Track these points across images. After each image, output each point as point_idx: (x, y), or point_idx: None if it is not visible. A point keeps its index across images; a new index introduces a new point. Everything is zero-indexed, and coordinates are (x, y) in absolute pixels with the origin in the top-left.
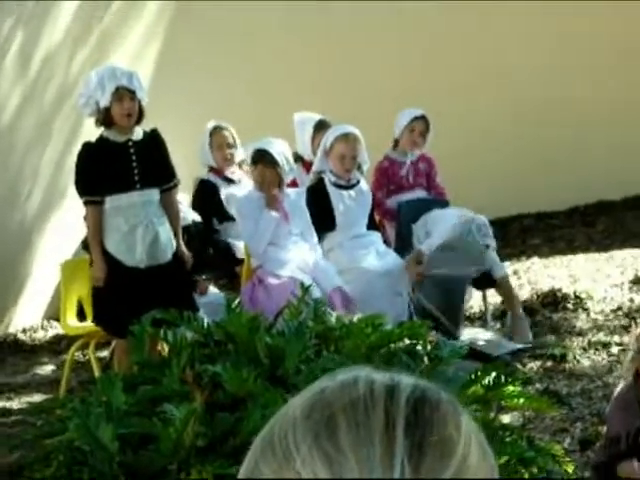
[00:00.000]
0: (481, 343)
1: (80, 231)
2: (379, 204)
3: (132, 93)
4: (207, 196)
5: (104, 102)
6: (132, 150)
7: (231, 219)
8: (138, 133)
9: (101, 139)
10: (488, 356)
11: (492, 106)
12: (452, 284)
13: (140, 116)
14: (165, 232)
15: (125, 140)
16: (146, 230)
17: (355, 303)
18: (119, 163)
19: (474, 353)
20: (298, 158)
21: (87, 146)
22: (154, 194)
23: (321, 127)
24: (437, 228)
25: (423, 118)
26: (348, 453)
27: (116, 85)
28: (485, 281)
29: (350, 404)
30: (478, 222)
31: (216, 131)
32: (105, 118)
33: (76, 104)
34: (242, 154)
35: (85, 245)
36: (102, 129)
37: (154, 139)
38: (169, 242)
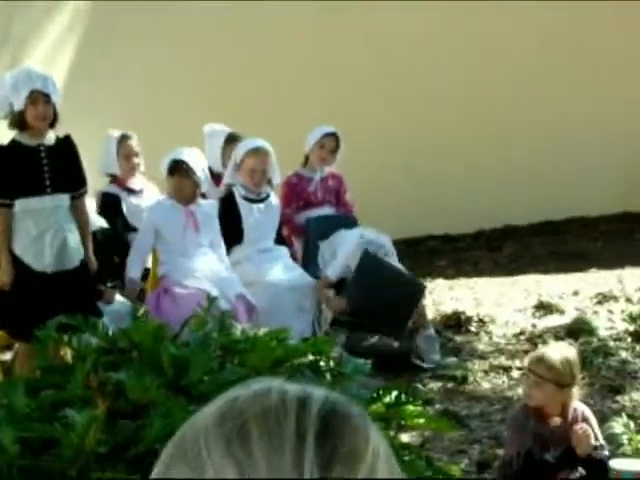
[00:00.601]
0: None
1: None
2: (288, 220)
3: (47, 97)
4: (111, 208)
5: (18, 105)
6: (44, 154)
7: (135, 230)
8: (50, 138)
9: (13, 142)
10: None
11: (404, 124)
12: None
13: (54, 120)
14: (74, 238)
15: (37, 144)
16: (55, 235)
17: (258, 311)
18: (30, 167)
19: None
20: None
21: None
22: (64, 199)
23: (232, 140)
24: (340, 250)
25: (334, 135)
26: (259, 460)
27: (31, 88)
28: None
29: (262, 413)
30: (379, 242)
31: (123, 140)
32: (19, 121)
33: None
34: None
35: None
36: (14, 132)
37: (67, 145)
38: (77, 248)
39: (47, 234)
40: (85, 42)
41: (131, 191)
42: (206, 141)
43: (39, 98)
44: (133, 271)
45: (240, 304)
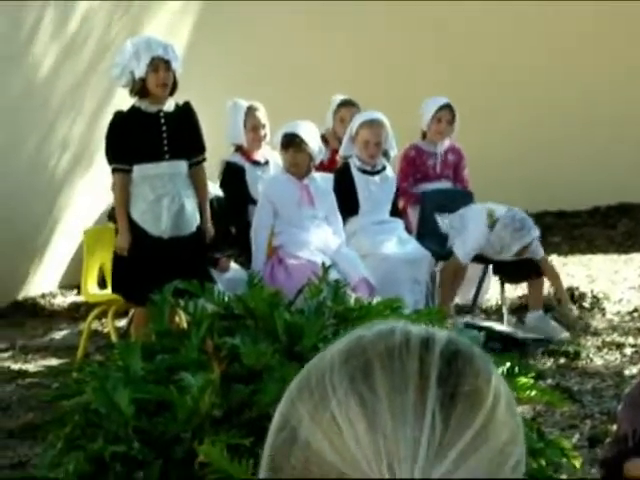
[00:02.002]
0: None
1: (105, 200)
2: (404, 192)
3: (167, 64)
4: (234, 178)
5: (139, 72)
6: (163, 121)
7: (255, 202)
8: (170, 105)
9: (133, 108)
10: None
11: (514, 98)
12: None
13: (174, 87)
14: (191, 205)
15: (157, 111)
16: (172, 201)
17: (376, 291)
18: (149, 133)
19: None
20: (323, 139)
21: (119, 114)
22: (182, 166)
23: (344, 105)
24: (470, 230)
25: (448, 107)
26: (382, 398)
27: (152, 55)
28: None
29: (386, 352)
30: (518, 217)
31: (250, 111)
32: (140, 88)
33: (110, 74)
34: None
35: (110, 216)
36: (135, 98)
37: (186, 112)
38: (194, 215)
39: (164, 200)
40: (205, 13)
41: (256, 163)
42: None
43: (160, 65)
44: (259, 252)
45: (363, 287)
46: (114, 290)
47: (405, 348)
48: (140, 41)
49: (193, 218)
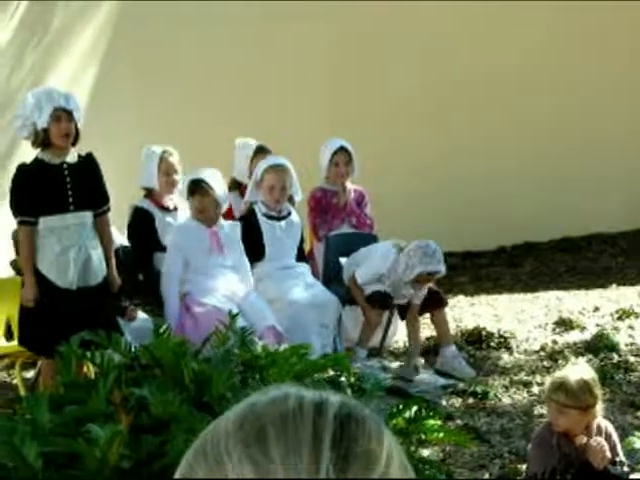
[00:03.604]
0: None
1: (7, 252)
2: (315, 230)
3: (69, 114)
4: (142, 224)
5: (42, 123)
6: (66, 172)
7: (165, 249)
8: (73, 156)
9: (36, 160)
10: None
11: (426, 139)
12: None
13: (76, 137)
14: (97, 255)
15: (60, 162)
16: (79, 252)
17: (285, 338)
18: (54, 185)
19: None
20: (236, 184)
21: (22, 167)
22: (87, 217)
23: (260, 152)
24: (368, 260)
25: (343, 149)
26: (277, 462)
27: (54, 106)
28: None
29: (280, 417)
30: (432, 246)
31: (164, 156)
32: (42, 139)
33: (12, 126)
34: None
35: (14, 266)
36: (37, 150)
37: (89, 163)
38: (100, 265)
39: (71, 251)
40: (111, 55)
41: (165, 209)
42: (236, 154)
43: (62, 115)
44: (172, 302)
45: (270, 335)
46: (21, 343)
47: (299, 412)
48: (41, 92)
49: (100, 268)
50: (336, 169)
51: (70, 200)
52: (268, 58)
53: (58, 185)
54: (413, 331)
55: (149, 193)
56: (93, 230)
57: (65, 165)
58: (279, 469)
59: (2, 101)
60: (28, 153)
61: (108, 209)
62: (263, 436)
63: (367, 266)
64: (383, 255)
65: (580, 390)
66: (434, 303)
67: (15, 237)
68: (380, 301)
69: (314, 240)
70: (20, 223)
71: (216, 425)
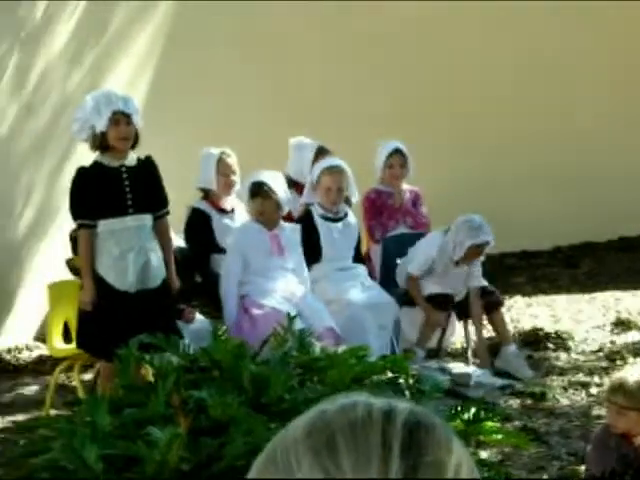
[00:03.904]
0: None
1: (67, 255)
2: (369, 229)
3: (128, 117)
4: (199, 225)
5: (100, 126)
6: (125, 176)
7: (222, 251)
8: (132, 159)
9: (95, 164)
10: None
11: (473, 138)
12: None
13: (135, 140)
14: (156, 258)
15: (119, 165)
16: (138, 255)
17: (343, 339)
18: (112, 188)
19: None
20: (291, 182)
21: (81, 170)
22: (147, 220)
23: (322, 153)
24: (416, 251)
25: (398, 151)
26: (347, 471)
27: (113, 109)
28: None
29: (349, 425)
30: (478, 219)
31: (223, 157)
32: (101, 142)
33: (70, 129)
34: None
35: (71, 266)
36: (96, 152)
37: (148, 166)
38: (160, 268)
39: (130, 254)
40: (165, 63)
41: (222, 210)
42: (293, 153)
43: (121, 119)
44: (230, 303)
45: (329, 336)
46: (79, 346)
47: (368, 421)
48: (100, 95)
49: (159, 271)
50: (391, 171)
51: (129, 203)
52: (315, 64)
53: (117, 188)
54: (500, 330)
55: (206, 194)
56: (152, 233)
57: (124, 168)
58: (349, 477)
59: (60, 102)
60: (86, 156)
61: (167, 212)
62: (332, 444)
63: (417, 257)
64: (428, 241)
65: (639, 391)
66: (491, 304)
67: (72, 236)
68: (440, 302)
69: (370, 242)
70: (79, 226)
71: (285, 432)
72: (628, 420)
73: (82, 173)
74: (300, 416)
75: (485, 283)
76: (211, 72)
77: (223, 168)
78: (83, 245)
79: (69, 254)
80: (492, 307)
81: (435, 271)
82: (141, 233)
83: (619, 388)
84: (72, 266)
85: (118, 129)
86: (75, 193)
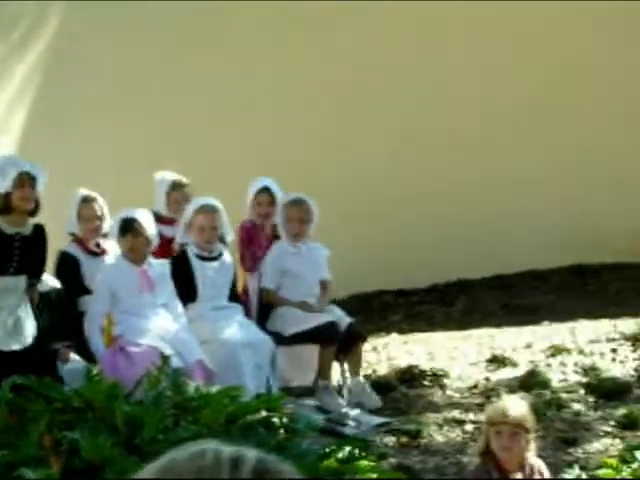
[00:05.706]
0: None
1: None
2: (242, 259)
3: (33, 180)
4: (68, 268)
5: (4, 187)
6: (17, 244)
7: (90, 292)
8: (29, 226)
9: None
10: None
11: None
12: None
13: (36, 207)
14: (28, 316)
15: (14, 233)
16: (9, 314)
17: (215, 375)
18: (1, 253)
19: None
20: (156, 216)
21: None
22: (22, 280)
23: (175, 188)
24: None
25: (267, 189)
26: None
27: (19, 171)
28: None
29: (198, 473)
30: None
31: (85, 203)
32: (3, 204)
33: None
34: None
35: None
36: None
37: (39, 236)
38: (31, 325)
39: (2, 312)
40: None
41: (92, 253)
42: (155, 188)
43: (26, 180)
44: (94, 340)
45: (198, 369)
46: None
47: (216, 467)
48: (5, 158)
49: (30, 329)
50: (259, 208)
51: (13, 264)
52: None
53: (6, 253)
54: (354, 363)
55: (75, 237)
56: (24, 293)
57: (18, 236)
58: None
59: None
60: None
61: (39, 281)
62: None
63: (265, 271)
64: (272, 253)
65: (526, 411)
66: (355, 336)
67: None
68: (329, 334)
69: (246, 275)
70: None
71: (137, 479)
72: (520, 441)
73: None
74: (152, 463)
75: (349, 320)
76: (98, 104)
77: (86, 214)
78: None
79: None
80: (355, 340)
81: (287, 275)
82: (16, 292)
83: (506, 411)
84: None
85: (23, 190)
86: None
